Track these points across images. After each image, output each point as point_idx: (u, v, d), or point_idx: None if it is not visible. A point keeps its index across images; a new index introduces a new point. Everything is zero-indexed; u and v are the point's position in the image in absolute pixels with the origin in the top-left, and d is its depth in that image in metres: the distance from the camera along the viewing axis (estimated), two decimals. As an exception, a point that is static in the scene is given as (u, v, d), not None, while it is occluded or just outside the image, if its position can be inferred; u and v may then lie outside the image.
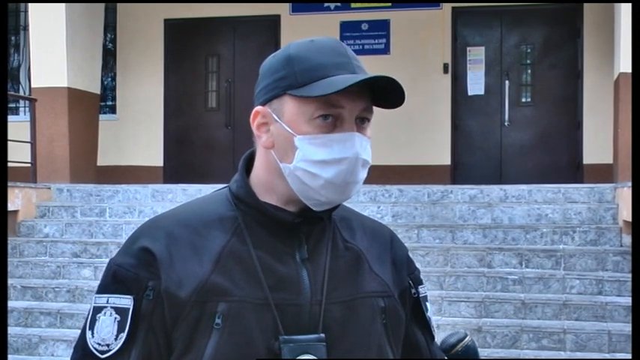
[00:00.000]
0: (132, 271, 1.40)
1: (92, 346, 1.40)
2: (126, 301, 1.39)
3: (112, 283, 1.42)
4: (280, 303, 1.38)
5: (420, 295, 1.59)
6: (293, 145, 1.39)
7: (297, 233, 1.44)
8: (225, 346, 1.36)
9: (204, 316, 1.36)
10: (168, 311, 1.38)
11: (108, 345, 1.39)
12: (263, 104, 1.44)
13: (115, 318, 1.39)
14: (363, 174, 1.42)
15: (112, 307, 1.40)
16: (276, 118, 1.41)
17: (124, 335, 1.38)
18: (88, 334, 1.41)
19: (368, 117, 1.43)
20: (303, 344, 1.37)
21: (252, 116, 1.46)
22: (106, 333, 1.39)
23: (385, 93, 1.41)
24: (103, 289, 1.44)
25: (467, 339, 1.56)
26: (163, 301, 1.38)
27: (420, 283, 1.61)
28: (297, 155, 1.39)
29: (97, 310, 1.42)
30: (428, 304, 1.61)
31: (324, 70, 1.39)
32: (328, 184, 1.39)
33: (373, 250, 1.53)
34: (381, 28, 10.97)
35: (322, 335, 1.38)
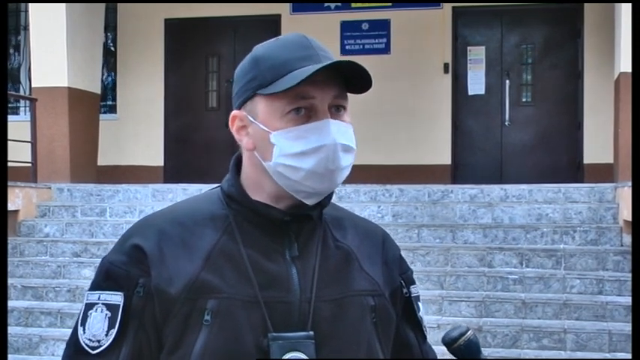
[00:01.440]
0: (123, 269, 1.42)
1: (83, 342, 1.42)
2: (117, 298, 1.41)
3: (103, 280, 1.44)
4: (269, 300, 1.40)
5: (412, 295, 1.59)
6: (270, 142, 1.41)
7: (286, 231, 1.45)
8: (215, 342, 1.37)
9: (194, 313, 1.38)
10: (159, 308, 1.39)
11: (99, 341, 1.40)
12: (239, 108, 1.46)
13: (106, 314, 1.41)
14: (346, 159, 1.42)
15: (103, 304, 1.42)
16: (251, 119, 1.43)
17: (114, 331, 1.40)
18: (80, 330, 1.43)
19: (343, 104, 1.43)
20: (292, 341, 1.38)
21: (230, 122, 1.48)
22: (97, 329, 1.41)
23: (356, 78, 1.41)
24: (95, 286, 1.46)
25: (469, 333, 1.56)
26: (154, 297, 1.39)
27: (413, 283, 1.61)
28: (275, 151, 1.40)
29: (89, 306, 1.44)
30: (420, 304, 1.61)
31: (288, 65, 1.40)
32: (310, 174, 1.40)
33: (364, 250, 1.54)
34: (382, 27, 10.97)
35: (311, 333, 1.39)
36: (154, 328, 1.40)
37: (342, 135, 1.41)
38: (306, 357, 1.37)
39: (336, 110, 1.42)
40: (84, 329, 1.42)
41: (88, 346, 1.41)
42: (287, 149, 1.39)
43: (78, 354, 1.42)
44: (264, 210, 1.45)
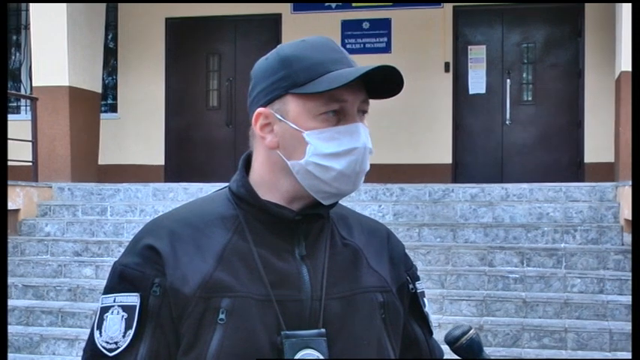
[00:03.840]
0: (138, 270, 1.42)
1: (100, 345, 1.42)
2: (133, 299, 1.41)
3: (118, 282, 1.44)
4: (282, 299, 1.41)
5: (418, 291, 1.61)
6: (302, 141, 1.42)
7: (296, 231, 1.46)
8: (230, 340, 1.38)
9: (209, 312, 1.39)
10: (174, 307, 1.39)
11: (116, 343, 1.40)
12: (264, 106, 1.46)
13: (123, 316, 1.41)
14: (368, 164, 1.46)
15: (119, 306, 1.42)
16: (280, 117, 1.44)
17: (131, 332, 1.40)
18: (96, 333, 1.43)
19: (367, 109, 1.47)
20: (305, 339, 1.39)
21: (253, 119, 1.47)
22: (114, 331, 1.41)
23: (381, 84, 1.45)
24: (109, 289, 1.45)
25: (471, 332, 1.57)
26: (169, 297, 1.40)
27: (418, 279, 1.63)
28: (309, 150, 1.41)
29: (105, 309, 1.43)
30: (425, 299, 1.64)
31: (324, 67, 1.42)
32: (340, 175, 1.42)
33: (371, 247, 1.56)
34: (383, 26, 10.97)
35: (323, 330, 1.41)
36: (171, 327, 1.40)
37: (368, 139, 1.45)
38: (319, 354, 1.39)
39: (362, 115, 1.46)
40: (100, 332, 1.42)
41: (105, 348, 1.41)
42: (321, 149, 1.41)
43: (95, 357, 1.42)
44: (275, 209, 1.46)
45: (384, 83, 1.44)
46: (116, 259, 1.49)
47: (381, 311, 1.50)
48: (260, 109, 1.46)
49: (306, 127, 1.41)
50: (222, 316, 1.38)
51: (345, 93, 1.40)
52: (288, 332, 1.39)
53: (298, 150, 1.42)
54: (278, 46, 1.50)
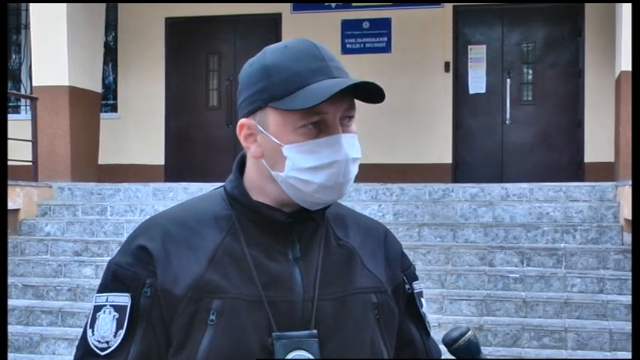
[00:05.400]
0: (130, 270, 1.44)
1: (92, 343, 1.43)
2: (124, 299, 1.42)
3: (111, 282, 1.46)
4: (273, 300, 1.41)
5: (415, 291, 1.60)
6: (282, 154, 1.41)
7: (289, 232, 1.46)
8: (220, 341, 1.38)
9: (199, 313, 1.39)
10: (165, 308, 1.41)
11: (107, 342, 1.42)
12: (246, 116, 1.45)
13: (114, 316, 1.42)
14: (354, 171, 1.44)
15: (110, 306, 1.43)
16: (261, 129, 1.43)
17: (122, 332, 1.41)
18: (89, 332, 1.45)
19: (352, 114, 1.44)
20: (296, 340, 1.39)
21: (237, 129, 1.47)
22: (105, 330, 1.43)
23: (368, 90, 1.42)
24: (103, 288, 1.47)
25: (469, 333, 1.56)
26: (160, 297, 1.41)
27: (415, 279, 1.62)
28: (287, 165, 1.41)
29: (97, 309, 1.45)
30: (423, 300, 1.62)
31: (301, 79, 1.39)
32: (322, 188, 1.41)
33: (366, 247, 1.55)
34: (383, 26, 10.96)
35: (314, 331, 1.41)
36: (162, 327, 1.42)
37: (352, 148, 1.42)
38: (310, 355, 1.38)
39: (347, 121, 1.43)
40: (93, 331, 1.44)
41: (97, 347, 1.43)
42: (300, 163, 1.40)
43: (87, 356, 1.44)
44: (267, 212, 1.46)
45: (371, 90, 1.42)
46: (112, 257, 1.51)
47: (375, 312, 1.49)
48: (243, 120, 1.46)
49: (286, 141, 1.40)
50: (212, 317, 1.39)
51: (323, 106, 1.37)
52: (279, 333, 1.39)
53: (279, 162, 1.42)
54: (264, 50, 1.47)
